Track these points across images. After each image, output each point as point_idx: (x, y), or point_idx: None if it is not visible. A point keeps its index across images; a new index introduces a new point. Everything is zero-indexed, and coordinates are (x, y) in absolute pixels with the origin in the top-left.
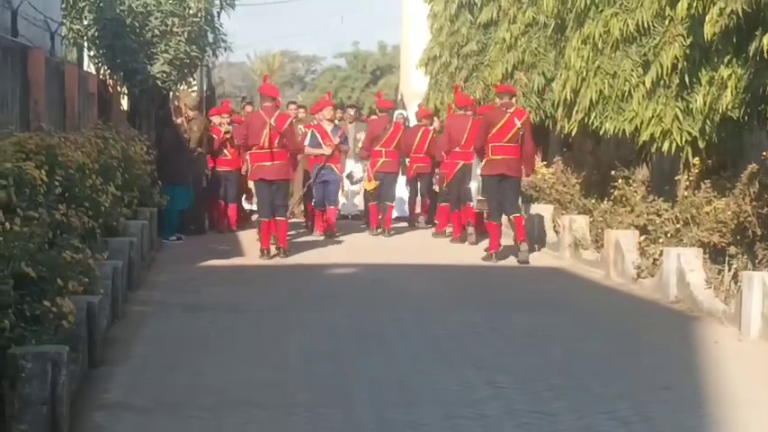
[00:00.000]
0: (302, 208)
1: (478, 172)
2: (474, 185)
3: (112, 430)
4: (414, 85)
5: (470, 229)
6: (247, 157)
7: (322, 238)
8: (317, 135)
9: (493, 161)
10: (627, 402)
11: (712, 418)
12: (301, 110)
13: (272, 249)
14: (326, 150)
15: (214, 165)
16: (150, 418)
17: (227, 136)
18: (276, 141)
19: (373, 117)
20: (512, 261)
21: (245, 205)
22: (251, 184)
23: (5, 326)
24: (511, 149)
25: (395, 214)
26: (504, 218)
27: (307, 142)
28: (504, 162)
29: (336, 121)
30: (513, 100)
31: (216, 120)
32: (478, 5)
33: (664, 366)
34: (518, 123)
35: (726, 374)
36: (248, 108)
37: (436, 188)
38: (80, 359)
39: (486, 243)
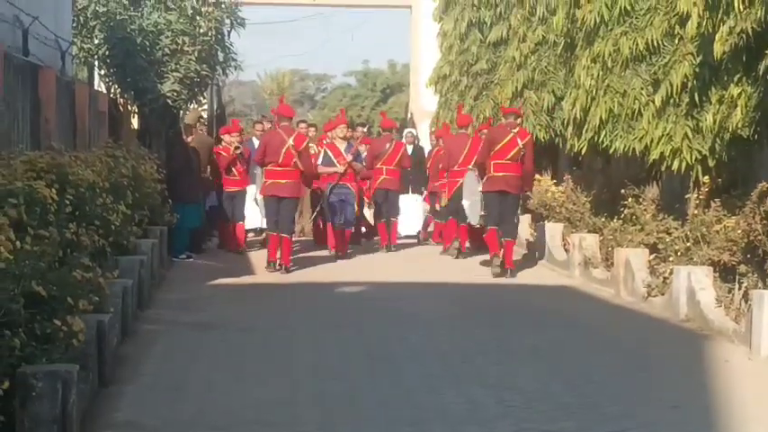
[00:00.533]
0: (311, 226)
1: (476, 188)
2: (467, 203)
3: None
4: (423, 104)
5: (456, 244)
6: (257, 171)
7: (333, 254)
8: (330, 153)
9: (494, 177)
10: (635, 422)
11: None
12: (312, 128)
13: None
14: (339, 168)
15: (221, 184)
16: None
17: (237, 152)
18: (293, 160)
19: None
20: (522, 279)
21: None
22: (258, 198)
23: (16, 344)
24: (512, 167)
25: (407, 232)
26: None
27: (319, 161)
28: (504, 179)
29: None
30: (519, 121)
31: (226, 139)
32: (488, 24)
33: (673, 385)
34: (520, 143)
35: (736, 394)
36: (258, 126)
37: (436, 206)
38: (90, 378)
39: (480, 258)
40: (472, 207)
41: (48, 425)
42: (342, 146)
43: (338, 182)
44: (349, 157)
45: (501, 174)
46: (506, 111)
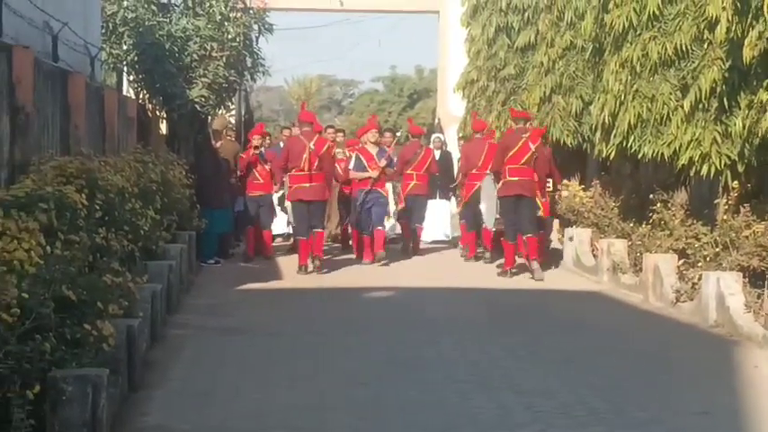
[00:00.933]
0: (339, 231)
1: (492, 193)
2: (484, 206)
3: None
4: (451, 109)
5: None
6: (285, 178)
7: (368, 263)
8: (362, 158)
9: (509, 182)
10: (665, 427)
11: None
12: (339, 134)
13: (310, 266)
14: (372, 174)
15: (245, 189)
16: None
17: (257, 152)
18: (315, 164)
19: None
20: (550, 284)
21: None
22: (288, 204)
23: (46, 349)
24: (526, 171)
25: (434, 237)
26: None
27: (351, 165)
28: (519, 183)
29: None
30: (528, 125)
31: (256, 141)
32: (516, 29)
33: (702, 391)
34: (533, 147)
35: (765, 400)
36: (286, 132)
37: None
38: (120, 382)
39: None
40: (488, 211)
41: (78, 429)
42: (374, 151)
43: (371, 187)
44: (382, 163)
45: (516, 178)
46: (516, 114)
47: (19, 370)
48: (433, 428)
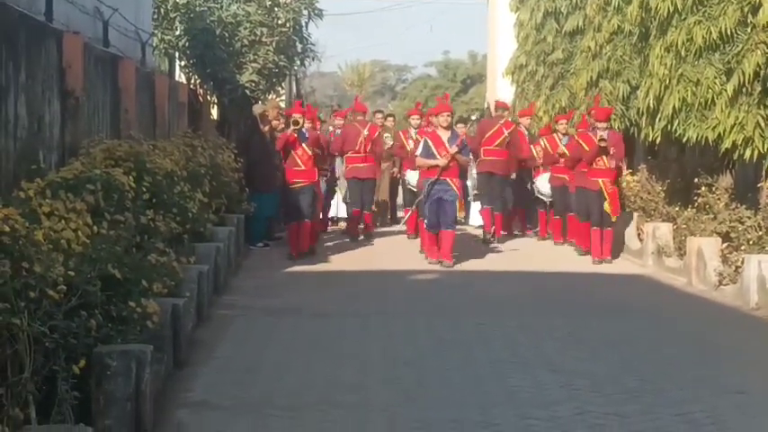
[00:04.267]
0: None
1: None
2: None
3: (195, 427)
4: (500, 94)
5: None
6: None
7: (440, 264)
8: (431, 144)
9: (484, 161)
10: (700, 405)
11: None
12: (389, 118)
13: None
14: (441, 161)
15: (286, 177)
16: (231, 416)
17: (294, 130)
18: (368, 147)
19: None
20: (595, 267)
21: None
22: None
23: (92, 325)
24: (498, 152)
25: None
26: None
27: (419, 152)
28: (491, 162)
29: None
30: (506, 113)
31: (297, 118)
32: (564, 14)
33: (740, 372)
34: (506, 132)
35: None
36: (338, 120)
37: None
38: (165, 359)
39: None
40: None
41: (122, 402)
42: (445, 136)
43: (439, 177)
44: (453, 149)
45: (489, 158)
46: (498, 104)
47: (65, 345)
48: (470, 405)
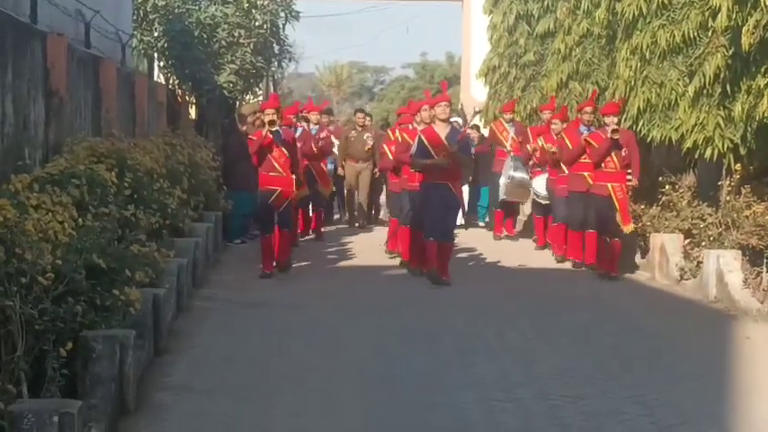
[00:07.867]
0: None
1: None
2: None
3: (175, 407)
4: (474, 95)
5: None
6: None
7: (419, 273)
8: (426, 141)
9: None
10: (654, 389)
11: (735, 406)
12: (368, 118)
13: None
14: (442, 162)
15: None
16: (209, 399)
17: (271, 131)
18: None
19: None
20: (562, 263)
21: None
22: None
23: (78, 311)
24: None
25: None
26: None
27: (413, 151)
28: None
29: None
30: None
31: (269, 116)
32: (536, 17)
33: (694, 359)
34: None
35: (754, 368)
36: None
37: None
38: (146, 346)
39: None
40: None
41: (107, 383)
42: (443, 131)
43: (435, 180)
44: (454, 147)
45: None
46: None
47: (53, 329)
48: (437, 389)
